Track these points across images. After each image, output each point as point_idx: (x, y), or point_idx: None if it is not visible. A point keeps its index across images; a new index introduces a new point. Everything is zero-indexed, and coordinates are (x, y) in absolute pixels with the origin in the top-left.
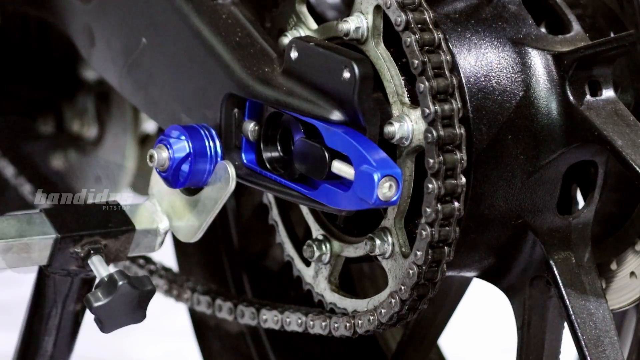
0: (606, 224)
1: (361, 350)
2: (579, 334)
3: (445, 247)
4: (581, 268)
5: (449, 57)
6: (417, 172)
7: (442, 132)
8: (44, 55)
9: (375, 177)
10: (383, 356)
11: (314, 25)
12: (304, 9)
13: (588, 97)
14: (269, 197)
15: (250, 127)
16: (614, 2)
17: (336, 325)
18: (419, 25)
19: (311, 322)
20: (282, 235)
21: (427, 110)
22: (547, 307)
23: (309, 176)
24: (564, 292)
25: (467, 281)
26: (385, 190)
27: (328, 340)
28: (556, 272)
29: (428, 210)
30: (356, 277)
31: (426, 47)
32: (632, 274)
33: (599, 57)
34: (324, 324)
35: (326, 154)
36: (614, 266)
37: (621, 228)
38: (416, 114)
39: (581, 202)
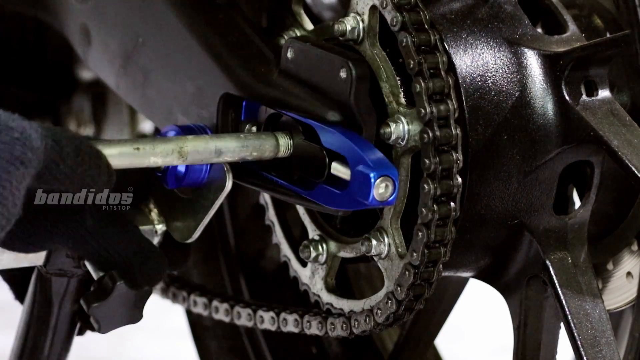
0: (602, 224)
1: (358, 350)
2: (576, 334)
3: (442, 248)
4: (577, 268)
5: (444, 58)
6: (413, 173)
7: (438, 133)
8: (41, 55)
9: (372, 177)
10: (380, 356)
11: (310, 25)
12: (300, 10)
13: (584, 97)
14: (266, 198)
15: (246, 127)
16: (609, 3)
17: (332, 325)
18: (415, 26)
19: (307, 323)
20: (279, 236)
21: (422, 111)
22: (543, 307)
23: (308, 177)
24: (560, 292)
25: (463, 281)
26: (382, 190)
27: (325, 340)
28: (552, 272)
29: (424, 210)
30: (353, 278)
31: (422, 48)
32: (629, 274)
33: (595, 58)
34: (320, 324)
35: (325, 155)
36: (610, 266)
37: (617, 228)
38: (412, 114)
39: (577, 203)
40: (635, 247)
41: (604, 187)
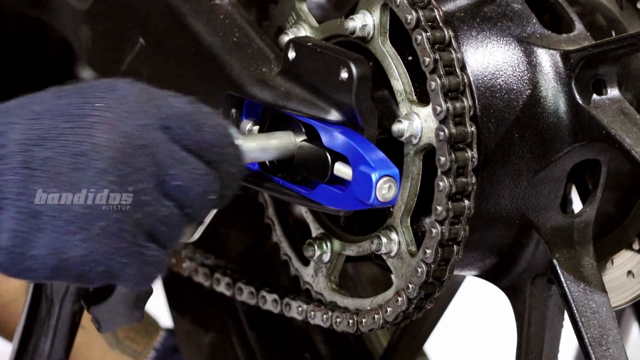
0: (603, 223)
1: (350, 353)
2: (583, 333)
3: (455, 246)
4: (583, 267)
5: (459, 55)
6: (424, 171)
7: (454, 130)
8: (41, 55)
9: (374, 177)
10: (371, 358)
11: (315, 23)
12: (304, 7)
13: (594, 95)
14: (265, 196)
15: (247, 127)
16: (611, 1)
17: (338, 320)
18: (429, 23)
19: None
20: (279, 235)
21: (439, 108)
22: (547, 306)
23: (311, 178)
24: (567, 291)
25: (456, 285)
26: (384, 190)
27: (319, 345)
28: (559, 271)
29: (439, 208)
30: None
31: (437, 45)
32: (629, 272)
33: (606, 56)
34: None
35: (328, 157)
36: (610, 265)
37: (618, 227)
38: (425, 111)
39: (575, 201)
40: (636, 246)
41: (606, 186)
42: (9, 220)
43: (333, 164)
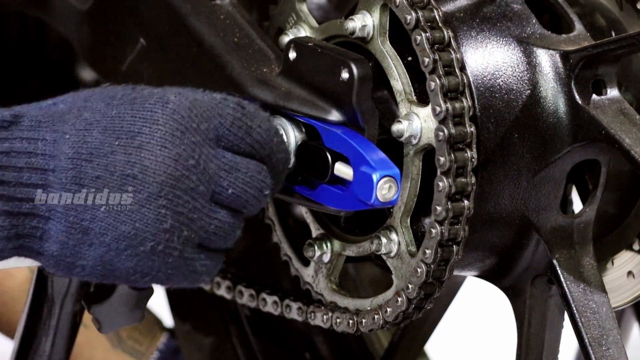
0: (603, 223)
1: (351, 354)
2: (583, 333)
3: (454, 246)
4: (584, 267)
5: (459, 55)
6: (423, 171)
7: (453, 131)
8: (42, 55)
9: (374, 177)
10: (371, 358)
11: (314, 23)
12: (304, 8)
13: (594, 96)
14: None
15: None
16: (611, 2)
17: (338, 320)
18: (429, 24)
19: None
20: (279, 235)
21: (438, 109)
22: (548, 306)
23: (311, 178)
24: (567, 291)
25: (456, 286)
26: (385, 191)
27: (319, 346)
28: (559, 271)
29: (438, 208)
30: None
31: (436, 46)
32: (630, 273)
33: (606, 56)
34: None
35: (329, 157)
36: (609, 265)
37: (618, 227)
38: (425, 112)
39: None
40: (637, 246)
41: (605, 186)
42: (58, 232)
43: (333, 164)
